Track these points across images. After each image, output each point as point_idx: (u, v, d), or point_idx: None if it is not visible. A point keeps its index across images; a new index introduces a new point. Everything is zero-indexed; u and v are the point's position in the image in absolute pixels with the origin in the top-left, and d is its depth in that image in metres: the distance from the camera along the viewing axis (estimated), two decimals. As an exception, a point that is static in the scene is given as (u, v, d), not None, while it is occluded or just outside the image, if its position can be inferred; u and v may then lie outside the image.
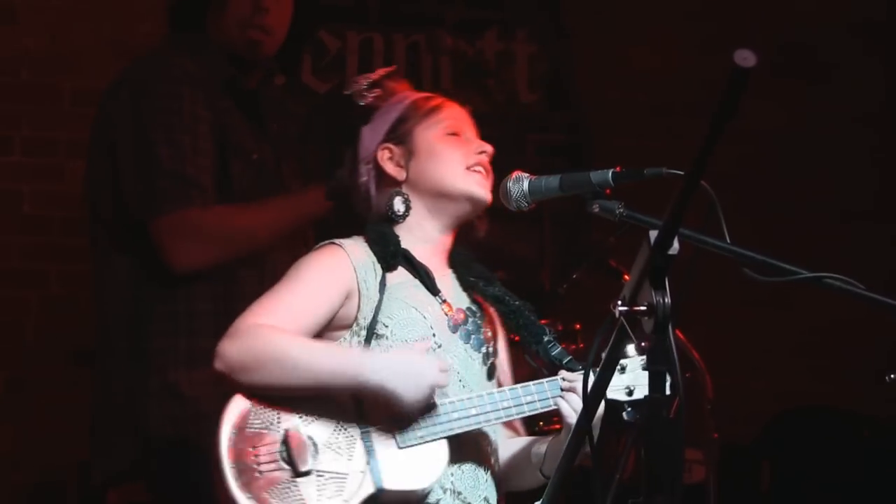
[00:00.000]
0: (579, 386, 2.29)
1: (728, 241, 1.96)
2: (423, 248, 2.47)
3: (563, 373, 2.38)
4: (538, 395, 2.36)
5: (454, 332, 2.44)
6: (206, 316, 3.03)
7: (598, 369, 1.90)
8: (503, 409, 2.34)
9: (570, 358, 2.41)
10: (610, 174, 2.21)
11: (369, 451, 2.27)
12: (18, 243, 4.67)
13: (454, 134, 2.49)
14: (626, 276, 3.52)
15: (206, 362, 3.00)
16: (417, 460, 2.29)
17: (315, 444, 2.26)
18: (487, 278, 2.53)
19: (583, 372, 2.33)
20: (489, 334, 2.51)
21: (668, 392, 1.77)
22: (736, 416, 4.80)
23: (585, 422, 1.94)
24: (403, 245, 2.44)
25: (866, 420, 4.97)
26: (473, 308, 2.50)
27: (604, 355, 1.91)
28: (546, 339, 2.43)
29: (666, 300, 1.72)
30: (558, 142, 5.34)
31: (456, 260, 2.53)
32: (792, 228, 5.16)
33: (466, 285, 2.52)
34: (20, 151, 4.67)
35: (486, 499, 2.42)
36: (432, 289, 2.44)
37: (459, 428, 2.31)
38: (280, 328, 2.31)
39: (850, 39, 5.54)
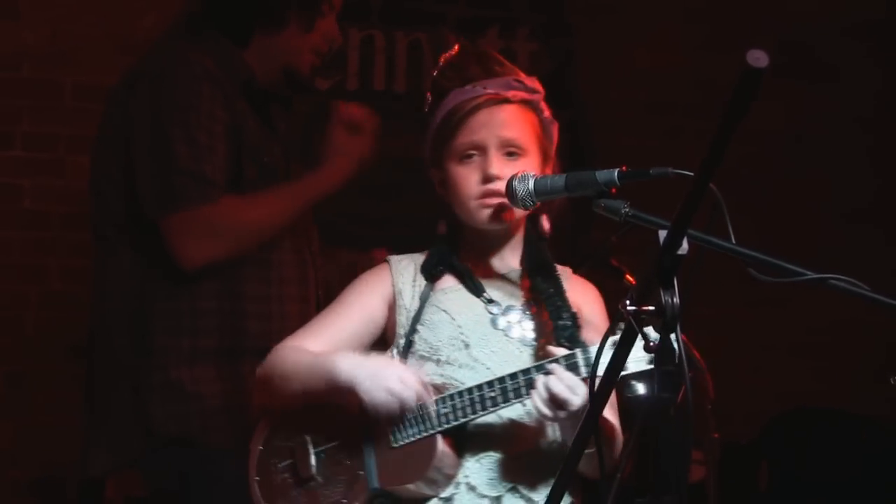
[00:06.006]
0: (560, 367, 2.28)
1: (733, 241, 1.96)
2: (475, 254, 2.53)
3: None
4: (525, 381, 2.31)
5: (497, 328, 2.45)
6: (209, 314, 3.02)
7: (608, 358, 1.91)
8: (489, 398, 2.31)
9: (580, 341, 2.38)
10: (616, 174, 2.20)
11: (368, 454, 2.40)
12: (19, 238, 4.66)
13: (468, 156, 2.48)
14: (628, 276, 3.52)
15: (209, 360, 3.03)
16: (409, 457, 2.37)
17: (319, 452, 2.43)
18: (545, 272, 2.52)
19: (569, 349, 2.34)
20: (541, 327, 2.47)
21: (674, 392, 1.77)
22: (735, 415, 4.80)
23: (589, 414, 1.94)
24: (463, 252, 2.51)
25: (865, 420, 4.98)
26: (528, 302, 2.49)
27: (608, 356, 1.92)
28: (561, 322, 2.42)
29: (675, 300, 1.72)
30: (560, 141, 5.32)
31: (525, 256, 2.55)
32: (791, 228, 5.15)
33: (530, 283, 2.51)
34: (21, 146, 4.67)
35: (515, 488, 2.39)
36: (476, 289, 2.48)
37: (448, 423, 2.34)
38: (296, 344, 2.49)
39: (850, 40, 5.54)
